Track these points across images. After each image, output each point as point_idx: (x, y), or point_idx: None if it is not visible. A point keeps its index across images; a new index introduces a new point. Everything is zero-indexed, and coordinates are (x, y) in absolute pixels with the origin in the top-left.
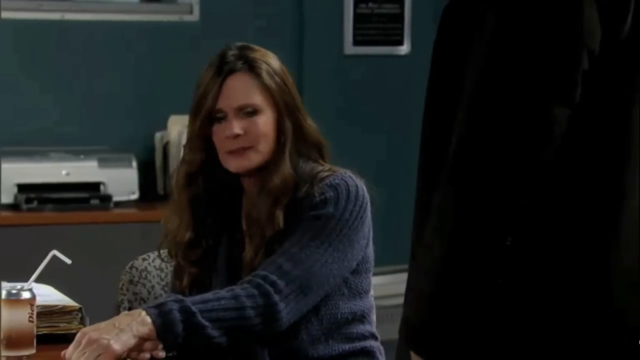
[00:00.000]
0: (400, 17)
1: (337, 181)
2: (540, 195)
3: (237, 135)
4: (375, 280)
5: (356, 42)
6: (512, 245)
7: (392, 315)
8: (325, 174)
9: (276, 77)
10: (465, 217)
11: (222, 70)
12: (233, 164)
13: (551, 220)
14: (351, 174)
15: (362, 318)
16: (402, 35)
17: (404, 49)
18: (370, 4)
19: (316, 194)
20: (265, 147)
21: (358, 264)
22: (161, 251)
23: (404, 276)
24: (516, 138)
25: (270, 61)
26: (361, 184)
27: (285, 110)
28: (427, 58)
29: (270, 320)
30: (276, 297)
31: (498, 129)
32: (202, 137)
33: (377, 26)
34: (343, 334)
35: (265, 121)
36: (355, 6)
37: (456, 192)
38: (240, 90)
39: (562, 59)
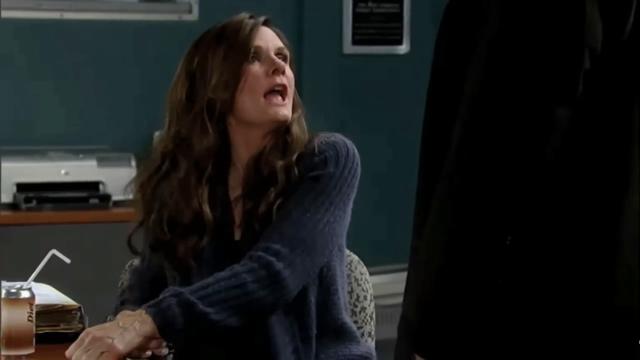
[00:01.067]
0: (399, 17)
1: (333, 139)
2: (540, 194)
3: (284, 72)
4: (374, 279)
5: (355, 41)
6: (511, 245)
7: (390, 315)
8: (319, 134)
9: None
10: (464, 217)
11: (254, 19)
12: (275, 110)
13: (551, 219)
14: (341, 135)
15: (344, 288)
16: (401, 35)
17: (403, 48)
18: (369, 3)
19: (315, 153)
20: (292, 100)
21: None
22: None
23: (402, 275)
24: (517, 137)
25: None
26: (352, 143)
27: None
28: (426, 57)
29: (277, 289)
30: (279, 265)
31: (499, 128)
32: (237, 78)
33: (376, 25)
34: (340, 304)
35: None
36: (355, 5)
37: (456, 190)
38: (274, 36)
39: (564, 59)
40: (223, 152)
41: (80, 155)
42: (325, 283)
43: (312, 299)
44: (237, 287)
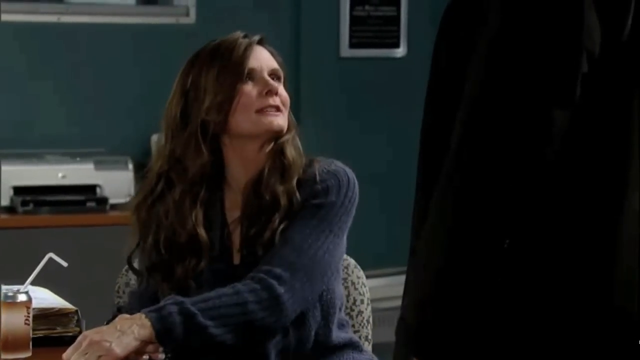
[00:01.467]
0: (396, 20)
1: (334, 167)
2: (539, 196)
3: (277, 93)
4: (370, 282)
5: (352, 45)
6: (510, 248)
7: (387, 318)
8: (318, 159)
9: (280, 57)
10: (463, 219)
11: (249, 38)
12: (269, 119)
13: (550, 221)
14: (340, 163)
15: (341, 304)
16: (398, 38)
17: (400, 51)
18: (366, 7)
19: (317, 181)
20: (287, 116)
21: None
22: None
23: (399, 278)
24: (516, 139)
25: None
26: (351, 171)
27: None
28: (423, 60)
29: (276, 312)
30: (280, 289)
31: (498, 131)
32: (230, 98)
33: (374, 29)
34: (338, 320)
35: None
36: (352, 9)
37: (455, 193)
38: (269, 56)
39: (562, 62)
40: (218, 172)
41: (78, 159)
42: (325, 306)
43: (311, 321)
44: (238, 305)
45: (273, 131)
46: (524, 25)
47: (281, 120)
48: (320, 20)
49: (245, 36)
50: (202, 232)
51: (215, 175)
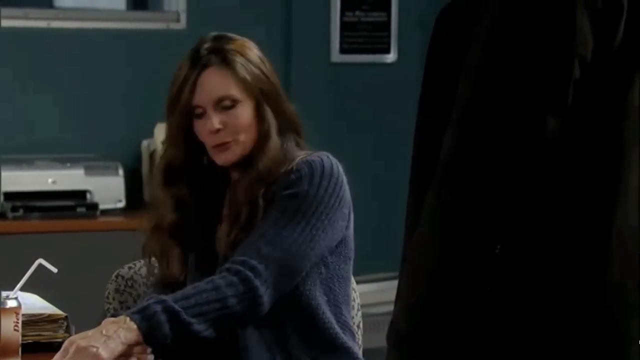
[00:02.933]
0: (386, 25)
1: (311, 158)
2: (531, 201)
3: (218, 130)
4: (361, 288)
5: (343, 50)
6: (501, 253)
7: (378, 324)
8: (302, 154)
9: (252, 67)
10: (454, 224)
11: (197, 65)
12: (218, 158)
13: (541, 228)
14: (327, 154)
15: (337, 305)
16: (388, 43)
17: (391, 56)
18: (357, 12)
19: (292, 171)
20: (247, 137)
21: (337, 246)
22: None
23: (389, 284)
24: (507, 145)
25: (247, 51)
26: (337, 164)
27: (263, 98)
28: (413, 66)
29: (252, 305)
30: (257, 282)
31: (489, 136)
32: (181, 132)
33: (364, 34)
34: (327, 318)
35: (245, 112)
36: (342, 14)
37: (446, 199)
38: (216, 84)
39: (554, 68)
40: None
41: (68, 164)
42: (304, 300)
43: (283, 315)
44: (218, 300)
45: (227, 164)
46: (516, 30)
47: (230, 154)
48: (311, 26)
49: (193, 63)
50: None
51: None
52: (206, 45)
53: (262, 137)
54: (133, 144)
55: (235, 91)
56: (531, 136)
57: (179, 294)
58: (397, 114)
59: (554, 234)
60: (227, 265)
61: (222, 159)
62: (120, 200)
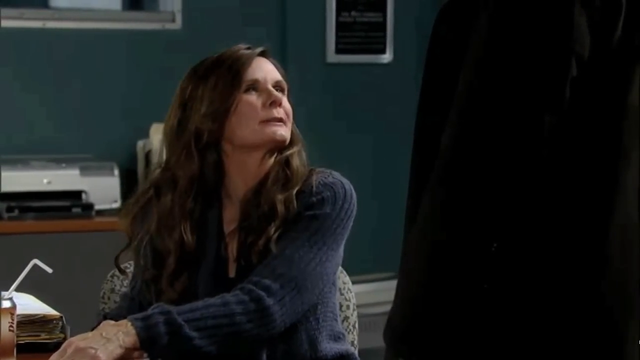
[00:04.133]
0: (382, 26)
1: (331, 179)
2: (526, 200)
3: (281, 104)
4: (356, 288)
5: (339, 50)
6: (497, 251)
7: (374, 324)
8: (317, 171)
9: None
10: (451, 223)
11: (252, 49)
12: (273, 132)
13: (537, 225)
14: (340, 174)
15: (336, 316)
16: (384, 44)
17: (387, 57)
18: (352, 13)
19: (313, 193)
20: (290, 127)
21: None
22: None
23: (385, 284)
24: (505, 143)
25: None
26: (348, 182)
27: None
28: (409, 66)
29: (264, 324)
30: (269, 301)
31: (487, 134)
32: (225, 113)
33: (360, 34)
34: (334, 333)
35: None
36: (338, 14)
37: (443, 197)
38: (272, 68)
39: (552, 66)
40: (218, 185)
41: (63, 164)
42: (317, 318)
43: (302, 333)
44: (225, 316)
45: (276, 141)
46: (513, 29)
47: (284, 131)
48: (307, 26)
49: (248, 48)
50: (189, 240)
51: (214, 187)
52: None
53: (295, 138)
54: (129, 145)
55: (284, 83)
56: (528, 134)
57: (187, 306)
58: (393, 114)
59: (550, 232)
60: (240, 285)
61: (277, 132)
62: (115, 201)
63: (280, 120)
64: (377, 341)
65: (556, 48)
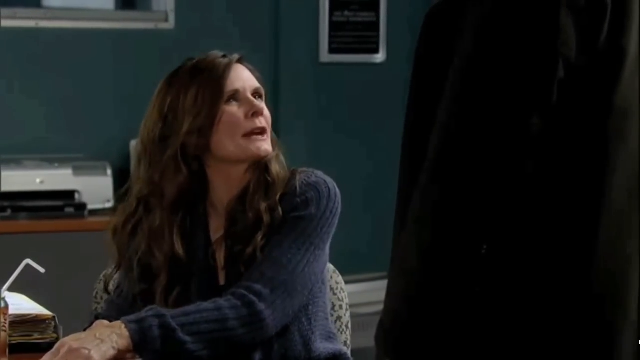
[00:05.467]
0: (375, 25)
1: (314, 179)
2: (516, 202)
3: (261, 112)
4: (349, 288)
5: (332, 50)
6: (487, 254)
7: (366, 324)
8: (299, 171)
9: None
10: (441, 225)
11: (228, 57)
12: (256, 147)
13: (527, 227)
14: (321, 173)
15: (327, 315)
16: (377, 43)
17: (380, 56)
18: (346, 12)
19: (297, 194)
20: (271, 136)
21: None
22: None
23: (378, 284)
24: (493, 146)
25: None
26: (332, 181)
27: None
28: (402, 66)
29: (256, 328)
30: (261, 306)
31: (475, 136)
32: (210, 126)
33: (353, 34)
34: (327, 332)
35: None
36: (331, 14)
37: (432, 199)
38: (250, 75)
39: (538, 68)
40: (202, 194)
41: (56, 164)
42: (309, 318)
43: (295, 334)
44: (218, 321)
45: (260, 157)
46: (500, 31)
47: (267, 144)
48: (300, 26)
49: (223, 56)
50: (180, 252)
51: (198, 197)
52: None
53: (273, 142)
54: (121, 144)
55: (262, 89)
56: (516, 136)
57: (180, 310)
58: (386, 113)
59: (540, 234)
60: (232, 290)
61: (261, 147)
62: (108, 200)
63: (262, 130)
64: (370, 341)
65: (543, 50)
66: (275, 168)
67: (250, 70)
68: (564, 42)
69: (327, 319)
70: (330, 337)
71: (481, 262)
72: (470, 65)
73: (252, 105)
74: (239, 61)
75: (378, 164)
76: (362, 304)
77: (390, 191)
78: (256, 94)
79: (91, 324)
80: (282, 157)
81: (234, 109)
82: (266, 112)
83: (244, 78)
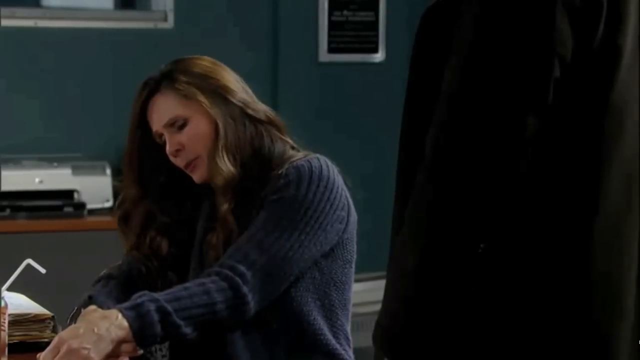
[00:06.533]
0: (374, 25)
1: (300, 163)
2: (513, 202)
3: (178, 151)
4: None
5: (331, 50)
6: (484, 253)
7: (366, 323)
8: (296, 156)
9: (194, 78)
10: (437, 224)
11: (142, 96)
12: (194, 178)
13: (524, 226)
14: (319, 157)
15: (332, 309)
16: (376, 43)
17: (379, 56)
18: (345, 12)
19: (281, 175)
20: (210, 151)
21: (332, 249)
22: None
23: (378, 283)
24: (489, 145)
25: (191, 65)
26: (329, 166)
27: (215, 104)
28: (401, 65)
29: (239, 311)
30: (245, 289)
31: (472, 135)
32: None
33: (352, 34)
34: (317, 325)
35: (198, 126)
36: (330, 13)
37: (429, 198)
38: (162, 108)
39: (534, 68)
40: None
41: (55, 164)
42: (295, 307)
43: (272, 320)
44: (207, 305)
45: (205, 182)
46: (496, 30)
47: (199, 172)
48: (299, 26)
49: (144, 86)
50: (164, 246)
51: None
52: (153, 77)
53: (215, 149)
54: (120, 144)
55: (181, 109)
56: (513, 135)
57: (171, 295)
58: (385, 113)
59: (536, 233)
60: (216, 269)
61: (195, 177)
62: (107, 200)
63: (186, 166)
64: (368, 340)
65: (539, 49)
66: (217, 181)
67: (164, 99)
68: (559, 41)
69: (326, 310)
70: (332, 328)
71: (478, 261)
72: (466, 64)
73: (168, 146)
74: (154, 92)
75: (377, 164)
76: (362, 304)
77: (390, 191)
78: (170, 125)
79: (78, 309)
80: (222, 160)
81: (165, 148)
82: (181, 139)
83: (155, 116)
